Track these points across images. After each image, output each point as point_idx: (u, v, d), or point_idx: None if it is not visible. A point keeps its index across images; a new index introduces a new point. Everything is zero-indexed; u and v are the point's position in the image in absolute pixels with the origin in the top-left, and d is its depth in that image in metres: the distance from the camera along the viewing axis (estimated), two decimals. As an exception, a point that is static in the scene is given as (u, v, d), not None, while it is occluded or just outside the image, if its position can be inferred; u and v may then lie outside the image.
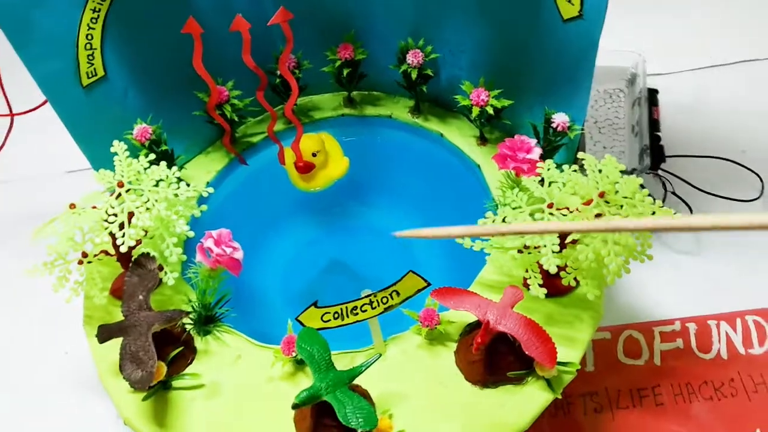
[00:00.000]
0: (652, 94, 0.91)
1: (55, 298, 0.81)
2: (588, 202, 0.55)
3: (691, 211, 0.82)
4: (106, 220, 0.59)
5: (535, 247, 0.59)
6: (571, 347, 0.59)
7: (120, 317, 0.60)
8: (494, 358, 0.57)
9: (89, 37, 0.62)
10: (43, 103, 0.76)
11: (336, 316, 0.58)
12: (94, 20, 0.62)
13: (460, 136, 0.77)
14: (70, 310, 0.80)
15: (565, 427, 0.69)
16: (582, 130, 0.66)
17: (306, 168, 0.74)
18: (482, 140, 0.75)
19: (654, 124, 0.87)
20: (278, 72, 0.73)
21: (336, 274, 0.80)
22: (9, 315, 0.84)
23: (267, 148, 0.80)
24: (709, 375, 0.71)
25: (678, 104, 0.97)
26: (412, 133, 0.80)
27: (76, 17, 0.61)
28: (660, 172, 0.84)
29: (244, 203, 0.78)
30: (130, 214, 0.60)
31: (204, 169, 0.77)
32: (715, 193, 0.83)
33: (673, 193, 0.84)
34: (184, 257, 0.62)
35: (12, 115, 0.77)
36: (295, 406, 0.52)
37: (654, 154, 0.83)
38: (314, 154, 0.74)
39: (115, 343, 0.57)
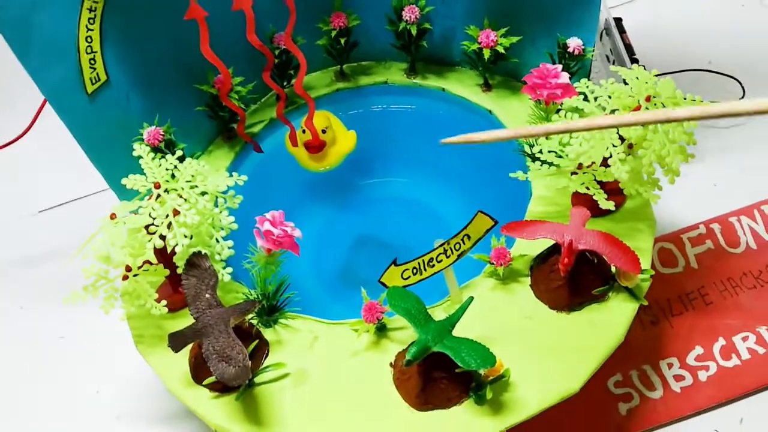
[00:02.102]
0: (618, 22, 0.94)
1: (66, 342, 0.78)
2: (637, 108, 0.56)
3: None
4: (151, 224, 0.55)
5: (588, 166, 0.60)
6: (640, 255, 0.59)
7: (171, 329, 0.56)
8: (576, 279, 0.57)
9: (89, 39, 0.58)
10: (13, 141, 0.72)
11: (415, 271, 0.57)
12: (91, 20, 0.58)
13: (463, 87, 0.77)
14: (86, 349, 0.77)
15: (629, 344, 0.69)
16: (593, 51, 0.67)
17: (320, 147, 0.72)
18: (486, 86, 0.75)
19: (629, 49, 0.89)
20: (276, 51, 0.71)
21: (365, 247, 0.78)
22: (25, 370, 0.78)
23: (269, 136, 0.77)
24: (746, 266, 0.74)
25: (639, 29, 1.00)
26: (412, 95, 0.79)
27: (74, 19, 0.57)
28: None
29: (257, 195, 0.75)
30: (175, 213, 0.56)
31: (212, 167, 0.73)
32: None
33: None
34: (233, 251, 0.60)
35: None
36: (408, 363, 0.50)
37: (638, 76, 0.86)
38: (323, 131, 0.72)
39: (174, 356, 0.55)
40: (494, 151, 0.73)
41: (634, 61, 0.88)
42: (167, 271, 0.59)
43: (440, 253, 0.57)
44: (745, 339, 0.69)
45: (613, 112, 0.57)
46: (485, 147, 0.74)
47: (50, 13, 0.55)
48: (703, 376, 0.67)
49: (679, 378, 0.67)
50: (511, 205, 0.67)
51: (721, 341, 0.69)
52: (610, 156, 0.55)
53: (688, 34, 0.99)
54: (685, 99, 0.57)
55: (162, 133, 0.65)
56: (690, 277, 0.74)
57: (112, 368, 0.75)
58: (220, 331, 0.53)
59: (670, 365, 0.68)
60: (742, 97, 0.88)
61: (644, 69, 0.84)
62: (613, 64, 0.90)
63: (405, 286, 0.56)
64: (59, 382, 0.75)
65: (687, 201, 0.80)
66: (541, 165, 0.62)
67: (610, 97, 0.57)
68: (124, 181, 0.58)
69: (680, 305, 0.72)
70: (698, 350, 0.69)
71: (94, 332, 0.77)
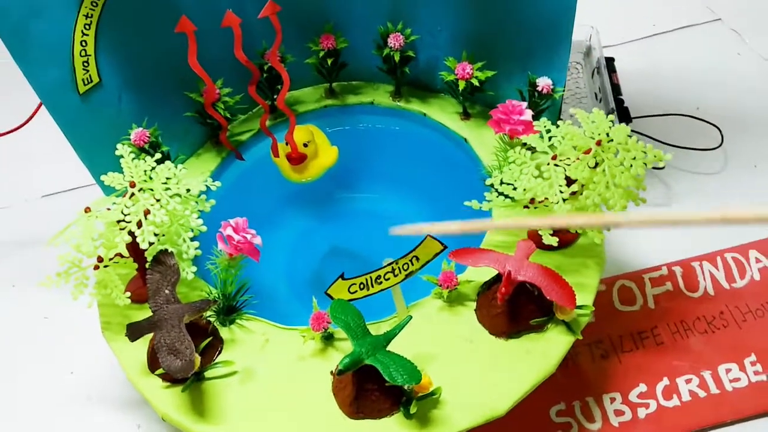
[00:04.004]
0: (610, 62, 0.96)
1: (48, 322, 0.82)
2: (587, 151, 0.59)
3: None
4: (123, 220, 0.60)
5: (540, 201, 0.63)
6: (583, 292, 0.62)
7: (137, 318, 0.61)
8: (516, 308, 0.60)
9: (83, 43, 0.63)
10: (16, 129, 0.76)
11: (362, 286, 0.60)
12: (87, 26, 0.62)
13: (443, 113, 0.80)
14: (67, 331, 0.81)
15: (576, 375, 0.72)
16: (563, 91, 0.70)
17: (299, 159, 0.75)
18: (465, 115, 0.79)
19: (616, 89, 0.92)
20: (266, 66, 0.75)
21: (337, 258, 0.81)
22: (8, 345, 0.82)
23: (255, 145, 0.81)
24: (701, 311, 0.76)
25: (631, 71, 1.03)
26: (395, 117, 0.83)
27: (70, 24, 0.61)
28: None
29: (239, 200, 0.79)
30: (146, 212, 0.60)
31: (197, 169, 0.77)
32: (681, 146, 0.89)
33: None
34: (200, 252, 0.63)
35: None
36: (340, 373, 0.54)
37: (620, 116, 0.88)
38: (305, 145, 0.76)
39: (135, 346, 0.59)
40: (465, 178, 0.76)
41: (619, 101, 0.90)
42: (136, 265, 0.63)
43: (388, 272, 0.60)
44: (688, 381, 0.71)
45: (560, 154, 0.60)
46: (459, 172, 0.78)
47: (47, 19, 0.59)
48: (642, 413, 0.69)
49: (619, 413, 0.69)
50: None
51: (665, 381, 0.71)
52: (555, 195, 0.57)
53: (681, 79, 1.01)
54: (635, 146, 0.59)
55: (148, 135, 0.69)
56: (645, 317, 0.76)
57: (88, 352, 0.79)
58: (173, 326, 0.57)
59: (612, 399, 0.70)
60: (719, 145, 0.90)
61: (625, 111, 0.88)
62: (600, 102, 0.93)
63: (351, 300, 0.59)
64: (37, 360, 0.80)
65: (654, 242, 0.82)
66: (498, 195, 0.65)
67: (563, 138, 0.60)
68: (102, 177, 0.62)
69: (631, 342, 0.74)
70: (642, 387, 0.71)
71: (76, 316, 0.81)
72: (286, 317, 0.66)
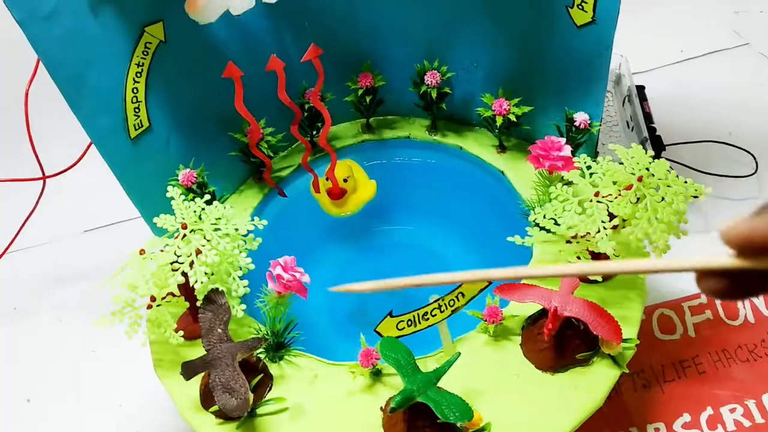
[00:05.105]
0: (641, 90, 0.97)
1: (95, 356, 0.84)
2: (628, 187, 0.60)
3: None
4: (176, 261, 0.61)
5: (582, 236, 0.64)
6: (627, 324, 0.63)
7: (188, 356, 0.62)
8: (561, 343, 0.61)
9: (135, 90, 0.65)
10: (74, 165, 0.79)
11: (410, 323, 0.61)
12: (138, 74, 0.65)
13: (479, 146, 0.81)
14: (114, 364, 0.83)
15: (620, 406, 0.73)
16: (600, 125, 0.71)
17: (340, 194, 0.77)
18: (501, 148, 0.80)
19: (648, 117, 0.93)
20: (306, 105, 0.77)
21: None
22: (56, 378, 0.84)
23: (295, 180, 0.83)
24: (742, 339, 0.77)
25: (661, 98, 1.03)
26: (431, 150, 0.84)
27: (122, 73, 0.64)
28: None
29: (281, 235, 0.81)
30: (197, 251, 0.62)
31: (241, 206, 0.79)
32: (715, 173, 0.90)
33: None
34: (248, 290, 0.65)
35: (44, 177, 0.79)
36: (392, 410, 0.55)
37: (654, 145, 0.89)
38: (345, 180, 0.78)
39: (187, 382, 0.60)
40: (504, 211, 0.77)
41: (651, 129, 0.91)
42: (188, 304, 0.65)
43: (435, 308, 0.61)
44: (732, 411, 0.71)
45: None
46: (496, 204, 0.80)
47: (101, 68, 0.62)
48: (687, 443, 0.69)
49: (664, 443, 0.70)
50: (513, 264, 0.71)
51: (709, 410, 0.71)
52: (599, 231, 0.58)
53: (711, 104, 1.02)
54: (676, 180, 0.60)
55: (195, 175, 0.71)
56: (686, 346, 0.77)
57: (137, 385, 0.81)
58: (227, 365, 0.58)
59: (657, 430, 0.71)
60: (754, 173, 0.90)
61: (658, 139, 0.88)
62: (632, 130, 0.94)
63: (399, 337, 0.60)
64: (86, 393, 0.82)
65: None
66: (540, 230, 0.66)
67: (604, 174, 0.61)
68: (155, 220, 0.64)
69: (673, 372, 0.75)
70: (686, 417, 0.71)
71: (124, 350, 0.83)
72: (327, 351, 0.67)
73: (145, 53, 0.65)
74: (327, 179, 0.77)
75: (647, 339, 0.78)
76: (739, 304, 0.79)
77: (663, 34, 1.16)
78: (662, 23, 1.18)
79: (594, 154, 0.74)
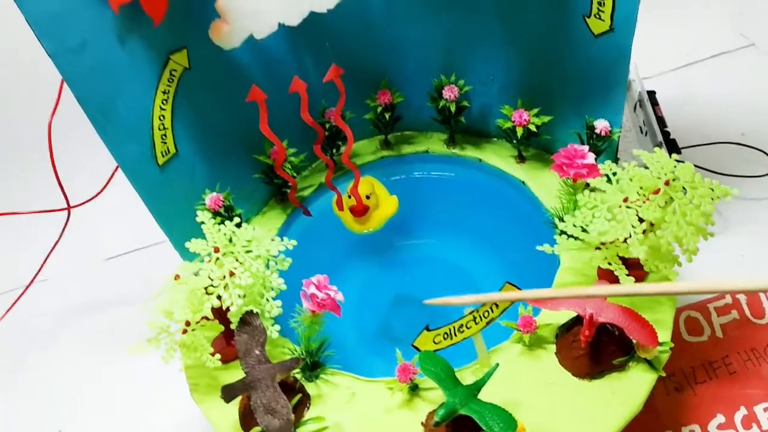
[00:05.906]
0: (651, 95, 0.98)
1: (128, 381, 0.85)
2: (656, 191, 0.61)
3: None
4: (210, 284, 0.62)
5: (611, 242, 0.64)
6: (660, 328, 0.63)
7: (223, 379, 0.63)
8: (597, 349, 0.61)
9: (161, 117, 0.66)
10: (99, 193, 0.80)
11: (446, 336, 0.62)
12: (164, 101, 0.65)
13: (498, 158, 0.82)
14: (151, 392, 0.83)
15: (653, 410, 0.73)
16: (620, 131, 0.71)
17: (363, 211, 0.78)
18: (521, 158, 0.81)
19: (661, 122, 0.94)
20: (327, 125, 0.78)
21: (402, 305, 0.83)
22: (87, 407, 0.84)
23: (317, 199, 0.84)
24: (770, 337, 0.77)
25: (670, 101, 1.04)
26: (450, 163, 0.85)
27: (149, 100, 0.64)
28: (678, 163, 0.91)
29: (306, 253, 0.81)
30: (230, 274, 0.62)
31: (265, 227, 0.80)
32: (730, 174, 0.90)
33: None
34: (281, 310, 0.65)
35: (69, 208, 0.79)
36: (436, 424, 0.55)
37: (669, 148, 0.90)
38: (368, 197, 0.78)
39: (225, 405, 0.60)
40: (527, 221, 0.78)
41: (666, 133, 0.92)
42: (222, 327, 0.65)
43: (470, 320, 0.62)
44: (766, 410, 0.71)
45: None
46: (519, 215, 0.80)
47: (129, 97, 0.63)
48: (724, 444, 0.70)
49: (700, 445, 0.70)
50: (540, 274, 0.72)
51: (743, 410, 0.71)
52: (630, 236, 0.59)
53: (721, 106, 1.03)
54: (702, 182, 0.61)
55: (222, 199, 0.72)
56: (715, 346, 0.77)
57: (170, 411, 0.81)
58: (267, 386, 0.59)
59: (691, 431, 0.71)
60: (769, 173, 0.91)
61: (673, 142, 0.89)
62: (646, 135, 0.94)
63: (436, 350, 0.61)
64: (121, 419, 0.82)
65: (715, 271, 0.83)
66: (567, 238, 0.67)
67: (631, 179, 0.62)
68: (187, 245, 0.64)
69: (704, 373, 0.75)
70: (720, 418, 0.71)
71: (157, 376, 0.83)
72: (358, 367, 0.68)
73: (171, 80, 0.65)
74: (350, 196, 0.77)
75: (676, 342, 0.77)
76: (765, 302, 0.80)
77: (668, 38, 1.17)
78: (666, 27, 1.19)
79: (615, 161, 0.75)
